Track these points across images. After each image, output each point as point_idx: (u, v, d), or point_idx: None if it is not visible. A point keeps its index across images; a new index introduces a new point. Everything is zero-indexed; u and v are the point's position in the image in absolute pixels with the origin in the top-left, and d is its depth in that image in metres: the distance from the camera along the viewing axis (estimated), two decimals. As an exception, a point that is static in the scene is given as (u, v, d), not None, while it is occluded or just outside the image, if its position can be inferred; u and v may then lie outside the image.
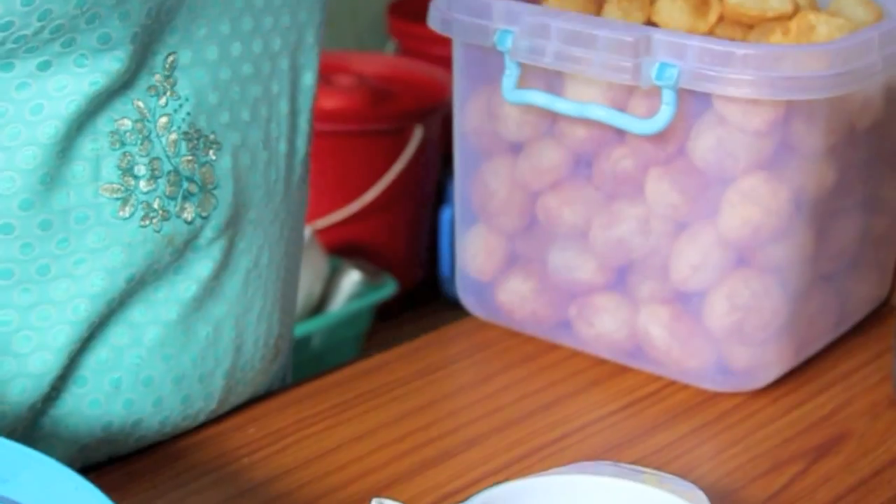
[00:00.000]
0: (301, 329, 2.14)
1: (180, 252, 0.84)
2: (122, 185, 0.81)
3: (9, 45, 0.75)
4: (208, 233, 0.85)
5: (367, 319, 2.28)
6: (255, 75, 0.87)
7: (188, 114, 0.83)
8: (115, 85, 0.79)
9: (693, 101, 0.93)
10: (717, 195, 0.94)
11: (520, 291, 1.04)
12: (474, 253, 1.06)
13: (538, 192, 1.01)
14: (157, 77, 0.81)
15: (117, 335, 0.84)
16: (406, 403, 0.97)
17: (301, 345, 2.12)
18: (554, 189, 1.00)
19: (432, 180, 2.58)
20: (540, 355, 1.04)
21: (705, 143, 0.93)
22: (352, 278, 2.27)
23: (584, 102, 0.95)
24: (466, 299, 1.08)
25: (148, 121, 0.81)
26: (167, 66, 0.82)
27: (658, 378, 1.00)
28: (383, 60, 2.68)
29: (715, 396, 0.98)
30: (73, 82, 0.78)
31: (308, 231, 2.27)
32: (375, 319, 2.32)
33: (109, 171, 0.80)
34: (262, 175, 0.89)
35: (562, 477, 0.74)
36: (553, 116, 0.98)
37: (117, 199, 0.81)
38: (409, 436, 0.93)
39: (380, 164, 2.43)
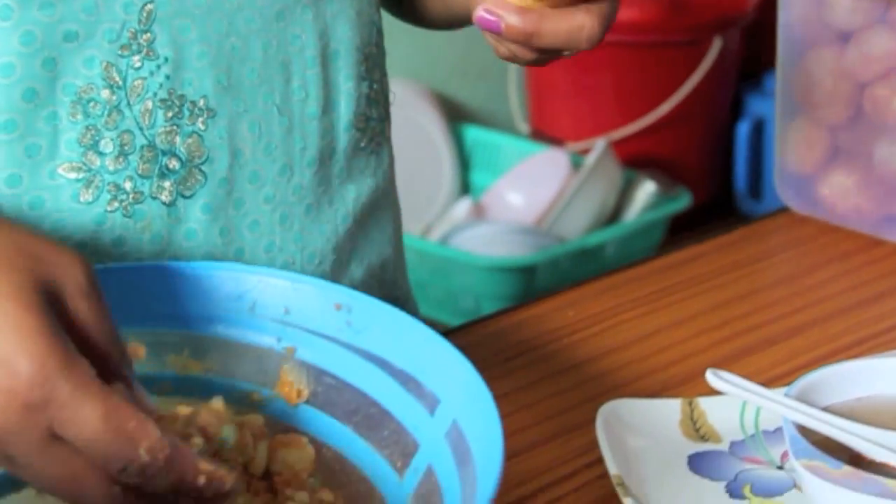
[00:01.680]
0: (595, 238, 2.16)
1: (165, 239, 0.73)
2: (84, 163, 0.70)
3: None
4: (197, 214, 0.73)
5: (661, 231, 2.27)
6: (262, 27, 0.74)
7: (167, 77, 0.71)
8: (55, 40, 0.68)
9: None
10: None
11: (842, 185, 1.02)
12: (795, 146, 1.05)
13: (866, 83, 0.99)
14: (130, 32, 0.69)
15: None
16: (724, 293, 0.97)
17: (595, 253, 2.14)
18: (884, 79, 0.97)
19: (729, 94, 2.54)
20: (862, 251, 1.01)
21: None
22: (646, 189, 2.26)
23: (923, -13, 0.91)
24: (785, 193, 1.07)
25: (118, 87, 0.69)
26: (142, 18, 0.69)
27: None
28: (681, -28, 2.64)
29: None
30: (1, 39, 0.67)
31: (602, 143, 2.27)
32: (667, 234, 2.31)
33: (69, 147, 0.69)
34: (280, 145, 0.76)
35: (898, 359, 0.73)
36: (887, 2, 0.95)
37: (78, 180, 0.70)
38: (728, 323, 0.92)
39: (676, 76, 2.41)
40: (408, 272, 0.93)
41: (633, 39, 2.38)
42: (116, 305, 0.65)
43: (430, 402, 0.62)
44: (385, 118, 0.83)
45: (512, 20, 0.69)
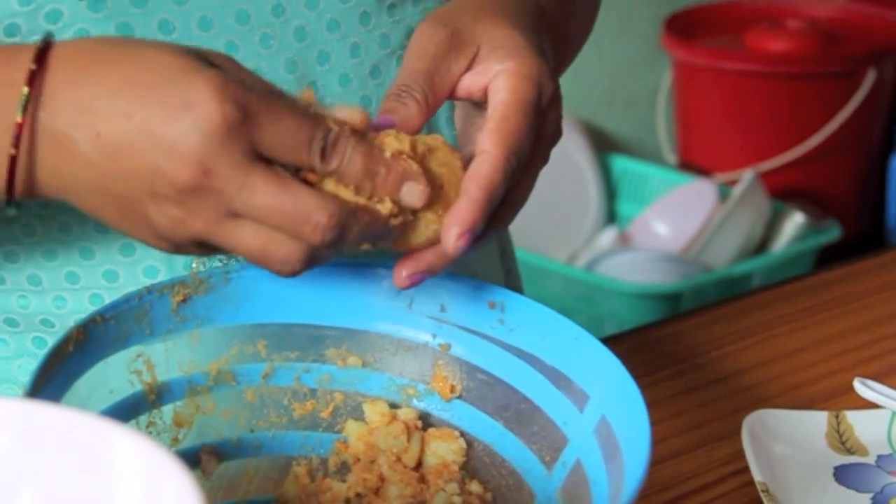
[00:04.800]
0: (742, 267, 2.15)
1: None
2: None
3: None
4: None
5: (809, 263, 2.25)
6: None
7: None
8: None
9: None
10: None
11: None
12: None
13: None
14: None
15: None
16: (873, 312, 0.97)
17: (741, 282, 2.12)
18: None
19: (882, 126, 2.50)
20: None
21: None
22: (795, 221, 2.24)
23: None
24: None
25: None
26: None
27: None
28: (834, 4, 2.62)
29: None
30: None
31: (751, 174, 2.26)
32: (815, 266, 2.28)
33: None
34: None
35: None
36: None
37: None
38: (879, 342, 0.92)
39: (828, 108, 2.38)
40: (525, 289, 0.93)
41: (786, 70, 2.36)
42: (279, 299, 0.68)
43: (580, 398, 0.64)
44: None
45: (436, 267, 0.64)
